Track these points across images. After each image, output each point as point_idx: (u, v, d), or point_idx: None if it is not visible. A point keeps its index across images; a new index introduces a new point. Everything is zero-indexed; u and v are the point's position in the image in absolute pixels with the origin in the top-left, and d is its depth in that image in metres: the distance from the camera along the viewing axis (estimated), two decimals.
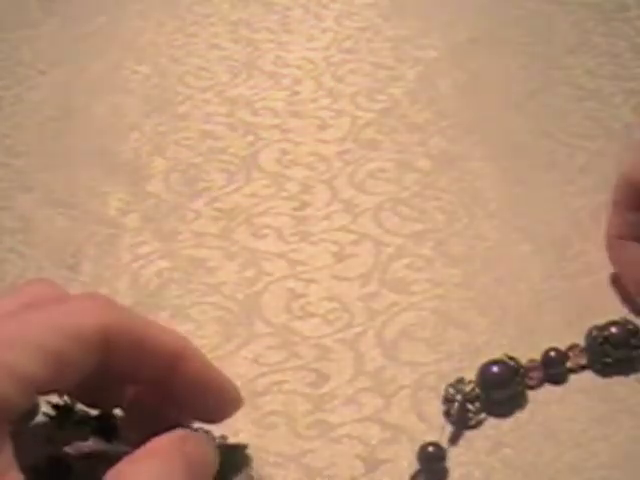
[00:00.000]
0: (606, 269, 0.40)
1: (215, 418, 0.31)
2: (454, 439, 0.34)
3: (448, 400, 0.35)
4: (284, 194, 0.46)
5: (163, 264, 0.43)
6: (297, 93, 0.53)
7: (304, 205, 0.46)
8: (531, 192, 0.45)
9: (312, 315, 0.40)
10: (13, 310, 0.28)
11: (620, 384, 0.36)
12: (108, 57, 0.57)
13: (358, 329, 0.39)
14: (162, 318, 0.40)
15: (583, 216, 0.43)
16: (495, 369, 0.35)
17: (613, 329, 0.36)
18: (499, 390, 0.35)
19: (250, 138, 0.50)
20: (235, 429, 0.35)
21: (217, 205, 0.46)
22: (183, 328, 0.39)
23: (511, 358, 0.36)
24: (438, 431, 0.34)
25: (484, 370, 0.35)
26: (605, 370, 0.36)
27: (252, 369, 0.37)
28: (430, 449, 0.33)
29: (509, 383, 0.35)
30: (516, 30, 0.56)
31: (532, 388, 0.36)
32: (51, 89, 0.55)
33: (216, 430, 0.31)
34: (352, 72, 0.54)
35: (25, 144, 0.51)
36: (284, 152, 0.49)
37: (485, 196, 0.45)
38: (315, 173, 0.47)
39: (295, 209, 0.45)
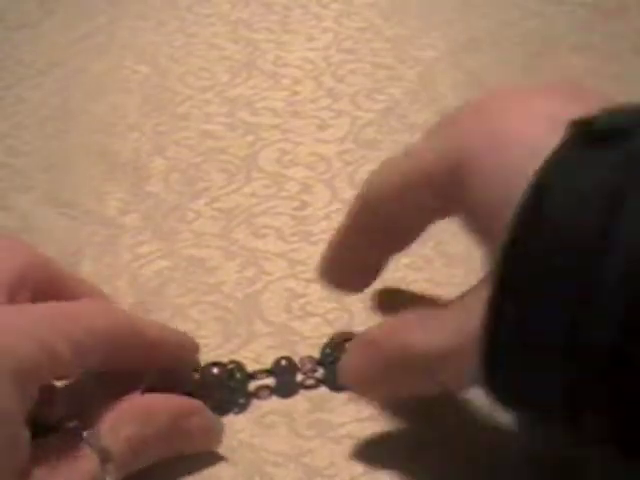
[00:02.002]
0: None
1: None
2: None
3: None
4: (284, 194, 0.46)
5: (163, 264, 0.43)
6: (297, 93, 0.53)
7: (304, 205, 0.46)
8: None
9: (312, 315, 0.40)
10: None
11: None
12: (108, 57, 0.57)
13: (358, 329, 0.39)
14: (162, 318, 0.40)
15: None
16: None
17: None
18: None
19: (250, 138, 0.50)
20: (235, 429, 0.35)
21: (217, 205, 0.46)
22: (183, 328, 0.39)
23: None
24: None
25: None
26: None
27: (252, 369, 0.37)
28: (283, 362, 0.37)
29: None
30: (516, 30, 0.56)
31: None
32: (51, 89, 0.55)
33: None
34: (352, 72, 0.54)
35: (25, 144, 0.51)
36: (284, 152, 0.49)
37: None
38: (315, 173, 0.47)
39: (295, 209, 0.45)
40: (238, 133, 0.51)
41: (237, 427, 0.35)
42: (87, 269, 0.43)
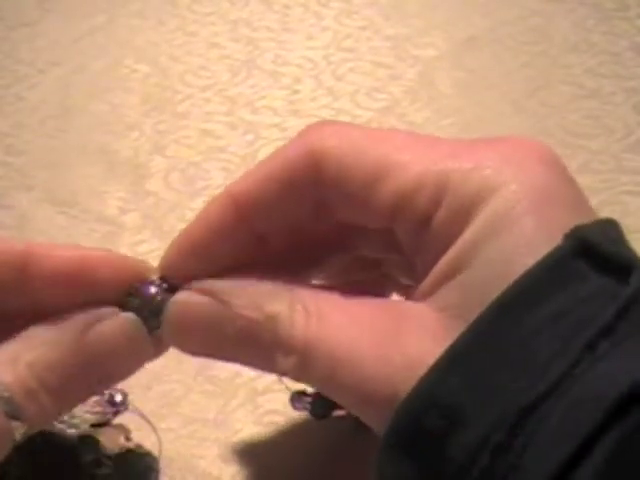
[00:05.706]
0: None
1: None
2: None
3: None
4: None
5: None
6: (297, 92, 0.53)
7: None
8: None
9: None
10: None
11: None
12: (108, 56, 0.57)
13: None
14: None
15: None
16: None
17: None
18: None
19: (250, 137, 0.50)
20: (235, 428, 0.35)
21: None
22: None
23: None
24: None
25: None
26: None
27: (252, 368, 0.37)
28: None
29: None
30: (516, 29, 0.56)
31: None
32: (50, 88, 0.55)
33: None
34: (352, 71, 0.54)
35: (25, 143, 0.51)
36: None
37: None
38: None
39: None
40: (238, 132, 0.51)
41: (237, 427, 0.35)
42: None
